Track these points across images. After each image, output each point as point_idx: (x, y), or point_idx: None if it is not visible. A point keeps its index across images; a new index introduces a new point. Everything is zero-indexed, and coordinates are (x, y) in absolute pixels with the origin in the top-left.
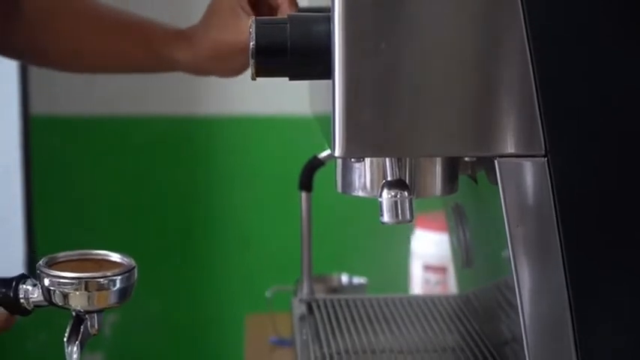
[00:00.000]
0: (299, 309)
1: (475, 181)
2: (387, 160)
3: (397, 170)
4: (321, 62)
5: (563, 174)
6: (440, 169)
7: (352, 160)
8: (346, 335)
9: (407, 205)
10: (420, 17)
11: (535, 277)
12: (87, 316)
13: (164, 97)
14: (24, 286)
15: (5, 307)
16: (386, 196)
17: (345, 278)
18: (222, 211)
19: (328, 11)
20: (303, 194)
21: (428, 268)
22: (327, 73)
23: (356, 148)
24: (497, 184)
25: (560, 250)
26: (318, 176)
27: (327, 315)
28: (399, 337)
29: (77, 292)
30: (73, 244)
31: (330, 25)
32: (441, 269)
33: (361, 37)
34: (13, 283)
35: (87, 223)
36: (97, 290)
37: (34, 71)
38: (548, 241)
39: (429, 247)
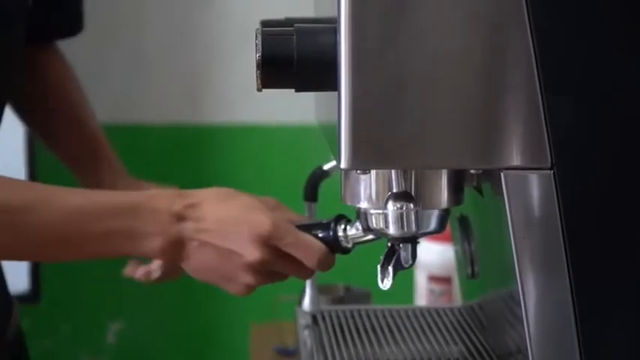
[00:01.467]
0: (303, 319)
1: (481, 192)
2: (393, 171)
3: (403, 182)
4: (328, 73)
5: (569, 187)
6: (446, 180)
7: (358, 171)
8: (350, 346)
9: (412, 216)
10: (425, 29)
11: (540, 289)
12: (401, 245)
13: (169, 106)
14: (341, 226)
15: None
16: (392, 207)
17: (349, 288)
18: None
19: (334, 22)
20: (308, 205)
21: (432, 278)
22: (333, 85)
23: (362, 160)
24: (502, 196)
25: (565, 263)
26: (323, 186)
27: (331, 325)
28: (404, 348)
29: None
30: None
31: (336, 36)
32: (445, 280)
33: (367, 48)
34: (332, 224)
35: None
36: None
37: None
38: (553, 254)
39: (434, 258)
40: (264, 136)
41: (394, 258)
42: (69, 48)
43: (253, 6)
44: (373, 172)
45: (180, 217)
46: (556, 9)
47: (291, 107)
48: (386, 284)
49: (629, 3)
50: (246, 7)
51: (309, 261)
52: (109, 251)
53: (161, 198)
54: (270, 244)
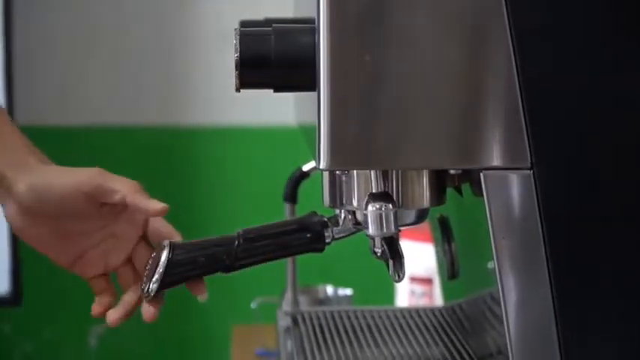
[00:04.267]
0: (284, 321)
1: (460, 193)
2: (372, 172)
3: (382, 182)
4: (306, 74)
5: (548, 186)
6: (427, 180)
7: (337, 172)
8: (331, 347)
9: (392, 217)
10: (405, 29)
11: (520, 289)
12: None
13: (149, 108)
14: (328, 228)
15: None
16: (371, 208)
17: (330, 290)
18: (209, 221)
19: (313, 22)
20: (288, 206)
21: (414, 279)
22: (311, 85)
23: (341, 161)
24: (482, 196)
25: (545, 263)
26: (304, 187)
27: (312, 327)
28: (384, 350)
29: None
30: None
31: (314, 36)
32: (426, 280)
33: (346, 48)
34: (320, 228)
35: None
36: None
37: (19, 82)
38: (533, 254)
39: (415, 259)
40: (245, 137)
41: (398, 247)
42: (51, 53)
43: (232, 8)
44: (354, 172)
45: None
46: (536, 12)
47: (272, 108)
48: (402, 277)
49: (610, 8)
50: (224, 9)
51: None
52: None
53: None
54: None
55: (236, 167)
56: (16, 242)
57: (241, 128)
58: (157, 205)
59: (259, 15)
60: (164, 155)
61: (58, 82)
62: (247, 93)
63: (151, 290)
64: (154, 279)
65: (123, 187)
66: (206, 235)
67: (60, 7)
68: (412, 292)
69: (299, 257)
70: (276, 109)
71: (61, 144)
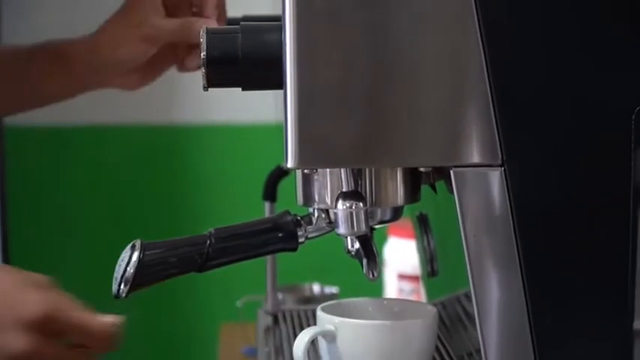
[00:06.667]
0: (264, 320)
1: (434, 190)
2: (343, 170)
3: (352, 181)
4: (274, 72)
5: (520, 184)
6: (401, 177)
7: (306, 171)
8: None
9: (362, 216)
10: (375, 28)
11: (493, 288)
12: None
13: (140, 107)
14: (301, 227)
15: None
16: (341, 207)
17: (316, 288)
18: (200, 219)
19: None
20: (267, 204)
21: (402, 276)
22: (280, 84)
23: (309, 159)
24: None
25: (518, 261)
26: (285, 185)
27: (292, 326)
28: None
29: None
30: (49, 256)
31: (281, 33)
32: (415, 278)
33: (314, 46)
34: (293, 226)
35: (63, 234)
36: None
37: None
38: (505, 252)
39: (403, 255)
40: (233, 134)
41: (372, 246)
42: None
43: (230, 6)
44: (326, 171)
45: None
46: (506, 11)
47: (261, 105)
48: (376, 275)
49: (580, 7)
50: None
51: (99, 346)
52: None
53: None
54: (43, 330)
55: (228, 165)
56: (5, 247)
57: (232, 125)
58: None
59: (255, 13)
60: (156, 154)
61: None
62: (235, 91)
63: (122, 292)
64: (124, 280)
65: None
66: (193, 232)
67: (50, 6)
68: (401, 290)
69: (286, 255)
70: (266, 105)
71: (52, 144)
